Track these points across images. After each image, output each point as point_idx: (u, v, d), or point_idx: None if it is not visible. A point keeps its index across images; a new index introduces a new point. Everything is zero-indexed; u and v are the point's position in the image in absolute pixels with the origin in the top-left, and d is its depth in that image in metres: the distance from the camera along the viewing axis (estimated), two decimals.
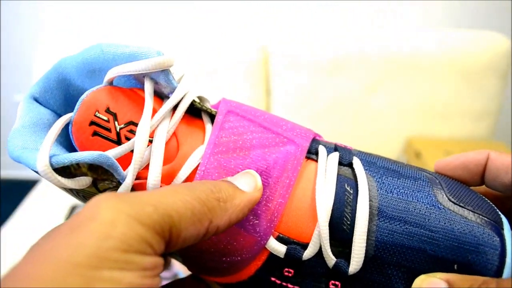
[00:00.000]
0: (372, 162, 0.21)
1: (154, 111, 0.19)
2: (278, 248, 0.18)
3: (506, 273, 0.17)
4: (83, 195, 0.19)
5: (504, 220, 0.18)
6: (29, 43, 1.28)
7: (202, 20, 1.25)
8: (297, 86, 1.03)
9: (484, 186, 0.20)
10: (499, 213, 0.19)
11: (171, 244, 0.14)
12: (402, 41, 1.01)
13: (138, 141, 0.18)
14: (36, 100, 0.20)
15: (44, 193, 0.98)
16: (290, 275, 0.19)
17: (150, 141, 0.19)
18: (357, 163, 0.20)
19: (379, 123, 1.06)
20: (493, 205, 0.19)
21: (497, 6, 1.20)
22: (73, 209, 0.89)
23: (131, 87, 0.20)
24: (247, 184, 0.18)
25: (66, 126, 0.19)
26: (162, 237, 0.13)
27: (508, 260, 0.17)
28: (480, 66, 1.00)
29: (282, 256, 0.18)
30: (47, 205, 0.92)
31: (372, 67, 1.01)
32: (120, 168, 0.17)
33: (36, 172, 0.17)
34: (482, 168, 0.20)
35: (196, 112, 0.22)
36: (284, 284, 0.19)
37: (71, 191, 0.19)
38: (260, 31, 1.17)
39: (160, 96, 0.20)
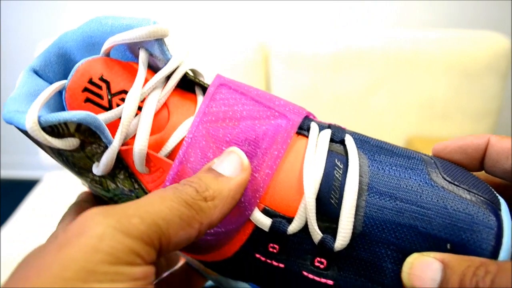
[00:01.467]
0: (365, 141, 0.20)
1: (147, 81, 0.19)
2: (263, 221, 0.18)
3: (502, 255, 0.16)
4: (68, 159, 0.19)
5: (502, 201, 0.18)
6: (29, 43, 1.28)
7: (200, 19, 1.25)
8: (297, 86, 1.03)
9: (483, 172, 0.20)
10: (496, 194, 0.18)
11: (162, 251, 0.14)
12: (402, 40, 1.01)
13: (127, 106, 0.18)
14: (36, 72, 0.20)
15: (44, 193, 0.98)
16: (275, 251, 0.18)
17: (141, 110, 0.19)
18: (349, 140, 0.20)
19: (379, 123, 1.06)
20: (490, 187, 0.18)
21: (497, 6, 1.20)
22: None
23: (127, 61, 0.20)
24: (232, 166, 0.17)
25: (61, 95, 0.19)
26: (152, 246, 0.13)
27: (505, 241, 0.16)
28: (480, 66, 1.00)
29: (266, 229, 0.18)
30: (47, 205, 0.92)
31: (372, 67, 1.01)
32: (107, 130, 0.17)
33: (26, 133, 0.17)
34: (481, 153, 0.19)
35: (189, 87, 0.22)
36: (268, 261, 0.19)
37: (57, 155, 0.19)
38: (260, 29, 1.17)
39: (154, 70, 0.21)
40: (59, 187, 0.98)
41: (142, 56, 0.19)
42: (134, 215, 0.13)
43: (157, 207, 0.14)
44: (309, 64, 1.01)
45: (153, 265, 0.14)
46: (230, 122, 0.19)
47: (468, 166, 0.19)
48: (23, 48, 1.36)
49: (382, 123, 1.06)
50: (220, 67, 1.01)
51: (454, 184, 0.18)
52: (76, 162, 0.19)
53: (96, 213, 0.13)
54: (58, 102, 0.20)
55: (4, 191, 1.52)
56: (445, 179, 0.18)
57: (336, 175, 0.18)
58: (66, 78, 0.21)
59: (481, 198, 0.17)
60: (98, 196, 0.22)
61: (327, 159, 0.19)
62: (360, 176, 0.18)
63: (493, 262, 0.15)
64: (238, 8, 1.23)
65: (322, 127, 0.21)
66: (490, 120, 1.06)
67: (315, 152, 0.19)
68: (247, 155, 0.18)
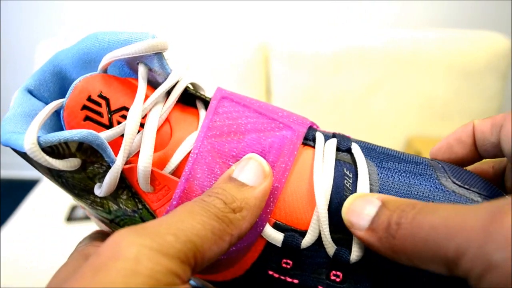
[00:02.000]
0: (371, 149, 0.20)
1: (147, 97, 0.19)
2: (275, 236, 0.18)
3: None
4: (68, 180, 0.18)
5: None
6: (29, 43, 1.28)
7: (201, 19, 1.25)
8: (297, 85, 1.03)
9: (484, 160, 0.20)
10: (505, 195, 0.18)
11: (196, 268, 0.14)
12: (402, 40, 1.01)
13: (129, 123, 0.17)
14: (30, 92, 0.20)
15: (44, 193, 0.98)
16: (288, 266, 0.18)
17: (143, 126, 0.18)
18: (356, 148, 0.19)
19: (379, 123, 1.06)
20: (498, 189, 0.18)
21: (497, 6, 1.20)
22: (73, 209, 0.89)
23: (125, 77, 0.20)
24: (255, 175, 0.17)
25: (59, 115, 0.19)
26: (188, 264, 0.13)
27: None
28: (480, 66, 1.00)
29: (279, 244, 0.18)
30: (47, 205, 0.92)
31: (372, 67, 1.01)
32: (110, 149, 0.17)
33: (24, 155, 0.16)
34: (473, 138, 0.19)
35: (190, 101, 0.21)
36: (282, 277, 0.18)
37: (56, 177, 0.18)
38: (260, 29, 1.17)
39: (154, 86, 0.20)
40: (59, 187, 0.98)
41: (142, 71, 0.19)
42: (167, 233, 0.13)
43: (188, 223, 0.14)
44: (309, 64, 1.01)
45: (188, 283, 0.13)
46: (235, 136, 0.19)
47: (467, 155, 0.20)
48: (23, 48, 1.36)
49: (382, 123, 1.06)
50: (220, 67, 1.01)
51: (464, 188, 0.18)
52: (76, 183, 0.18)
53: (127, 233, 0.13)
54: (54, 122, 0.20)
55: (4, 191, 1.52)
56: (455, 183, 0.18)
57: (346, 184, 0.18)
58: (62, 97, 0.20)
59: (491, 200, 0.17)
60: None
61: (335, 168, 0.18)
62: (371, 184, 0.18)
63: (422, 202, 0.15)
64: (239, 8, 1.23)
65: (327, 136, 0.20)
66: None
67: (323, 162, 0.19)
68: None
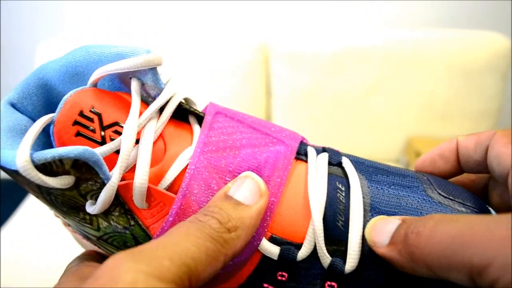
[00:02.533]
0: (360, 162, 0.21)
1: (141, 113, 0.18)
2: (272, 249, 0.18)
3: None
4: (58, 198, 0.18)
5: (493, 212, 0.18)
6: (29, 43, 1.28)
7: (201, 19, 1.25)
8: (297, 86, 1.03)
9: (465, 174, 0.21)
10: (488, 207, 0.19)
11: None
12: (402, 40, 1.01)
13: (125, 139, 0.17)
14: (13, 106, 0.19)
15: None
16: (284, 279, 0.18)
17: (137, 142, 0.18)
18: (346, 162, 0.20)
19: (379, 123, 1.06)
20: (480, 199, 0.19)
21: (497, 6, 1.20)
22: None
23: (116, 91, 0.20)
24: (251, 193, 0.17)
25: (47, 133, 0.18)
26: (183, 287, 0.13)
27: None
28: (480, 66, 1.00)
29: (275, 258, 0.18)
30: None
31: (372, 67, 1.01)
32: (105, 165, 0.17)
33: (13, 173, 0.15)
34: (456, 153, 0.20)
35: (183, 116, 0.21)
36: None
37: (46, 194, 0.17)
38: (260, 29, 1.17)
39: (145, 100, 0.20)
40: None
41: (135, 85, 0.19)
42: (163, 256, 0.13)
43: (184, 246, 0.14)
44: (310, 64, 1.01)
45: None
46: (231, 152, 0.19)
47: (451, 170, 0.20)
48: (23, 48, 1.36)
49: (382, 123, 1.06)
50: (220, 68, 1.01)
51: (449, 199, 0.18)
52: (66, 201, 0.18)
53: (124, 258, 0.13)
54: (39, 138, 0.19)
55: (4, 191, 1.52)
56: (440, 194, 0.19)
57: (340, 197, 0.18)
58: (47, 111, 0.20)
59: (475, 210, 0.18)
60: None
61: (328, 182, 0.19)
62: (362, 197, 0.18)
63: (439, 215, 0.15)
64: (239, 8, 1.23)
65: (318, 150, 0.21)
66: (490, 120, 1.06)
67: (316, 176, 0.19)
68: None
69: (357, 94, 1.03)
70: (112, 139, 0.18)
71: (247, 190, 0.17)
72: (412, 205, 0.18)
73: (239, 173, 0.19)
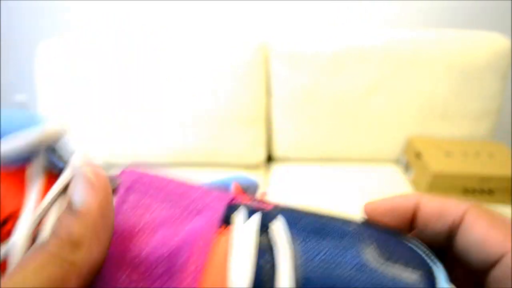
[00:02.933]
0: (296, 221, 0.19)
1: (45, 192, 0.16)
2: None
3: None
4: None
5: (437, 274, 0.17)
6: (29, 43, 1.28)
7: (201, 19, 1.25)
8: (297, 86, 1.03)
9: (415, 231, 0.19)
10: (431, 265, 0.18)
11: None
12: (402, 40, 1.01)
13: (15, 248, 0.14)
14: None
15: None
16: None
17: None
18: (278, 228, 0.18)
19: (379, 123, 1.06)
20: (424, 256, 0.18)
21: (497, 6, 1.20)
22: None
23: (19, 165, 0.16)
24: (84, 193, 0.15)
25: None
26: None
27: None
28: (480, 66, 1.00)
29: None
30: None
31: (372, 67, 1.01)
32: None
33: None
34: (410, 215, 0.19)
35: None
36: None
37: None
38: (260, 29, 1.17)
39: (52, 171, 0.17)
40: None
41: (31, 171, 0.16)
42: None
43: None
44: (310, 64, 1.01)
45: None
46: (138, 241, 0.17)
47: (399, 226, 0.19)
48: (23, 48, 1.37)
49: (382, 123, 1.06)
50: (220, 68, 1.01)
51: (390, 261, 0.17)
52: None
53: None
54: None
55: None
56: (380, 257, 0.18)
57: (265, 277, 0.17)
58: None
59: (418, 273, 0.17)
60: None
61: (255, 258, 0.17)
62: (293, 273, 0.17)
63: None
64: (239, 8, 1.23)
65: (250, 211, 0.19)
66: (490, 120, 1.06)
67: (239, 253, 0.17)
68: (164, 275, 0.16)
69: (357, 94, 1.03)
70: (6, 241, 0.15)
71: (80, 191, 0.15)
72: (345, 277, 0.17)
73: (149, 265, 0.17)
